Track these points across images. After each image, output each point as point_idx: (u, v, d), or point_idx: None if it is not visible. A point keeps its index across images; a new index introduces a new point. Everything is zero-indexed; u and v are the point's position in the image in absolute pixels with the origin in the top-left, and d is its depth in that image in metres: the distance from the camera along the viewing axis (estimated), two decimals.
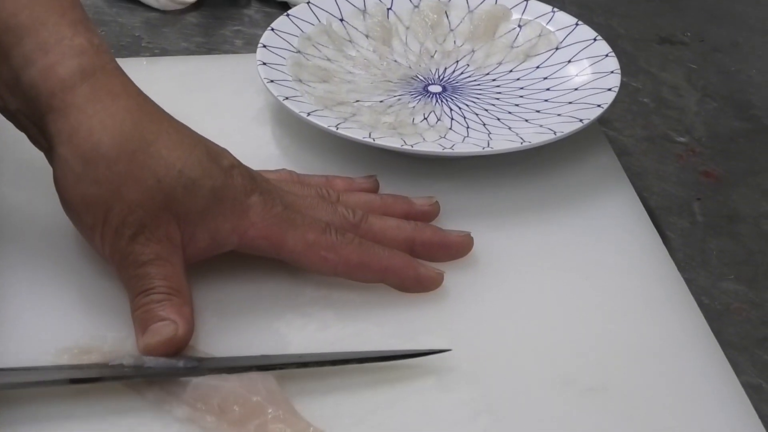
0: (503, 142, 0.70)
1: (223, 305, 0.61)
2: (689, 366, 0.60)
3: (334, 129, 0.69)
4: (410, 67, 0.80)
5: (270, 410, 0.54)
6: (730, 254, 0.72)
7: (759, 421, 0.57)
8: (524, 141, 0.69)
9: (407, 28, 0.82)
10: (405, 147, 0.69)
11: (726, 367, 0.60)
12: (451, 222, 0.68)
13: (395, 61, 0.80)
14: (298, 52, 0.77)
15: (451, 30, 0.83)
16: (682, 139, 0.82)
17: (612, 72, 0.76)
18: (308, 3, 0.81)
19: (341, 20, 0.81)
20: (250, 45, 0.87)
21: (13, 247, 0.64)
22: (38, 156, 0.69)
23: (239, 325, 0.60)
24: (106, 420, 0.55)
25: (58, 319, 0.60)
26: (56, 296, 0.61)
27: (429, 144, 0.71)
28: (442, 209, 0.68)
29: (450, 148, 0.70)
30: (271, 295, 0.62)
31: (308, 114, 0.70)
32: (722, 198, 0.77)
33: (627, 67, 0.85)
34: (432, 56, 0.81)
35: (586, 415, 0.57)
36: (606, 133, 0.77)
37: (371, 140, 0.69)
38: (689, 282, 0.66)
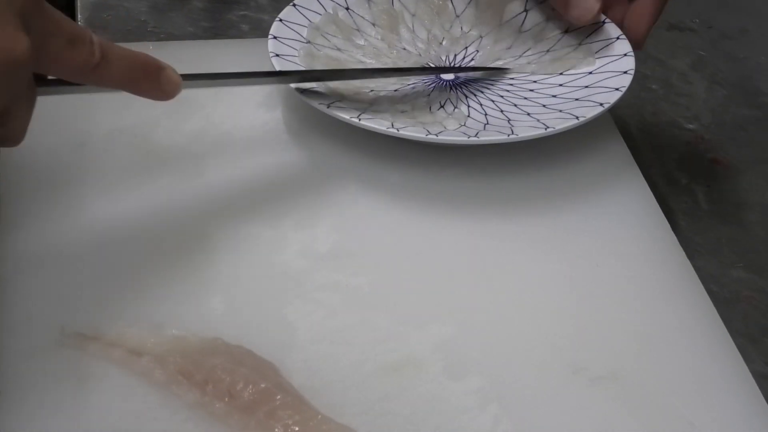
0: (526, 128, 0.69)
1: (231, 290, 0.61)
2: (699, 354, 0.60)
3: (356, 120, 0.69)
4: (420, 55, 0.79)
5: (279, 396, 0.54)
6: (739, 242, 0.72)
7: None
8: (548, 127, 0.69)
9: (413, 15, 0.82)
10: (430, 137, 0.68)
11: (735, 356, 0.60)
12: (461, 208, 0.68)
13: (404, 48, 0.80)
14: (308, 42, 0.77)
15: (457, 16, 0.82)
16: (690, 126, 0.82)
17: (625, 55, 0.75)
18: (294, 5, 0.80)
19: (347, 9, 0.81)
20: (256, 30, 0.86)
21: (21, 233, 0.63)
22: (41, 143, 0.69)
23: (247, 310, 0.60)
24: (113, 407, 0.55)
25: (65, 304, 0.59)
26: (63, 282, 0.61)
27: (453, 133, 0.70)
28: (452, 195, 0.68)
29: (475, 136, 0.69)
30: (279, 281, 0.62)
31: (328, 105, 0.70)
32: (731, 185, 0.76)
33: (635, 54, 0.84)
34: (440, 43, 0.81)
35: (596, 403, 0.57)
36: (615, 120, 0.77)
37: (395, 131, 0.68)
38: (698, 270, 0.66)
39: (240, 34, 0.87)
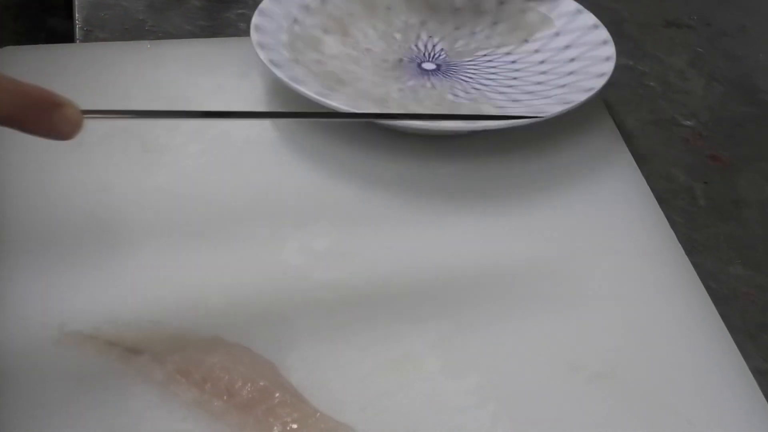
0: (518, 113, 0.70)
1: (229, 288, 0.61)
2: (697, 351, 0.60)
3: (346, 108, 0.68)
4: (393, 48, 0.79)
5: (277, 394, 0.54)
6: (737, 239, 0.72)
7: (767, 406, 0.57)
8: (542, 112, 0.69)
9: (351, 14, 0.81)
10: (426, 123, 0.69)
11: (734, 352, 0.60)
12: (459, 205, 0.68)
13: (368, 49, 0.79)
14: (296, 61, 0.76)
15: (388, 8, 0.82)
16: (688, 123, 0.82)
17: (604, 42, 0.76)
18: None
19: (294, 21, 0.79)
20: None
21: (21, 230, 0.63)
22: (40, 142, 0.69)
23: (246, 309, 0.60)
24: (111, 405, 0.55)
25: (64, 303, 0.59)
26: (63, 280, 0.61)
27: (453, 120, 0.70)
28: (450, 192, 0.68)
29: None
30: (277, 279, 0.62)
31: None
32: (729, 182, 0.76)
33: (633, 51, 0.84)
34: (394, 36, 0.80)
35: (594, 401, 0.57)
36: (612, 117, 0.77)
37: (410, 121, 0.69)
38: (696, 266, 0.66)
39: (238, 33, 0.87)
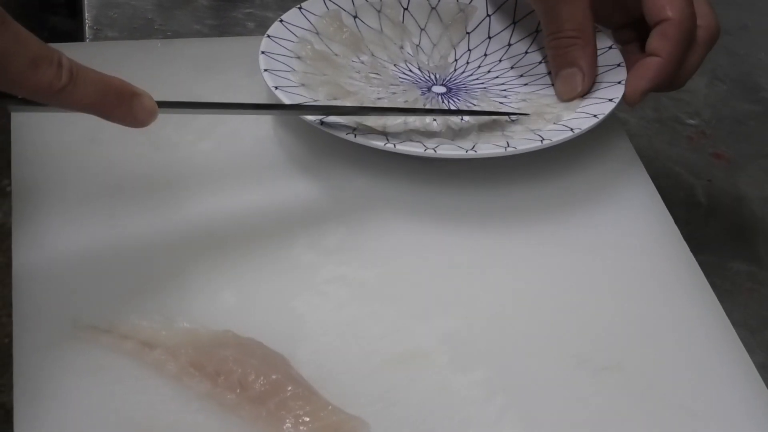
0: (522, 141, 0.69)
1: (241, 283, 0.62)
2: (702, 346, 0.61)
3: (392, 147, 0.67)
4: (410, 71, 0.77)
5: (289, 387, 0.55)
6: (740, 235, 0.72)
7: None
8: (544, 139, 0.68)
9: (381, 31, 0.79)
10: (428, 152, 0.67)
11: (738, 347, 0.61)
12: (467, 202, 0.68)
13: (389, 66, 0.77)
14: (304, 72, 0.75)
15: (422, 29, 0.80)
16: (692, 122, 0.83)
17: (618, 65, 0.74)
18: (281, 21, 0.77)
19: (317, 33, 0.78)
20: (261, 27, 0.87)
21: (33, 227, 0.64)
22: (53, 138, 0.69)
23: (257, 303, 0.61)
24: (126, 399, 0.55)
25: (78, 297, 0.60)
26: (77, 275, 0.62)
27: (450, 147, 0.69)
28: (459, 189, 0.69)
29: (472, 149, 0.68)
30: (288, 274, 0.63)
31: (321, 123, 0.69)
32: (732, 179, 0.77)
33: None
34: (412, 55, 0.78)
35: (601, 394, 0.58)
36: (617, 116, 0.77)
37: (423, 150, 0.67)
38: (700, 263, 0.66)
39: (245, 32, 0.87)
